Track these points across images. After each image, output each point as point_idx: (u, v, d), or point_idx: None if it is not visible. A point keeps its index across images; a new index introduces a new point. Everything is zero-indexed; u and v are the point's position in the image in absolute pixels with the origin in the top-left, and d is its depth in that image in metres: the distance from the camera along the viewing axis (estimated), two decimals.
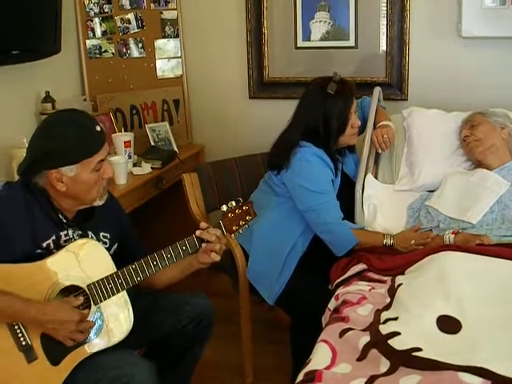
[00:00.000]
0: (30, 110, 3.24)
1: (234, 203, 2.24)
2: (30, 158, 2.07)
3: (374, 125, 2.98)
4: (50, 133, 2.06)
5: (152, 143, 3.63)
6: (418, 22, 3.42)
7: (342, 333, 2.00)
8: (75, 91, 3.68)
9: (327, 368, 1.83)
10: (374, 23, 3.49)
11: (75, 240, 2.12)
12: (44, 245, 2.06)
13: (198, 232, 2.19)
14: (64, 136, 2.02)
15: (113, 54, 3.75)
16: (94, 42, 3.70)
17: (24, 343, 1.97)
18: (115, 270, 2.12)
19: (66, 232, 2.12)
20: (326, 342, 1.97)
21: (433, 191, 2.86)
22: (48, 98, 3.22)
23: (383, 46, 3.51)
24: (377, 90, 3.10)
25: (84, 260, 2.08)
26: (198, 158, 3.90)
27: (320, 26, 3.58)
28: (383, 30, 3.48)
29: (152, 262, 2.14)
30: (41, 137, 2.07)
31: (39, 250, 2.05)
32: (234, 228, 2.24)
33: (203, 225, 2.22)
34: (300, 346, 2.61)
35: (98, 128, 2.08)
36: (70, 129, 2.03)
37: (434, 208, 2.71)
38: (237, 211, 2.24)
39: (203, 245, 2.20)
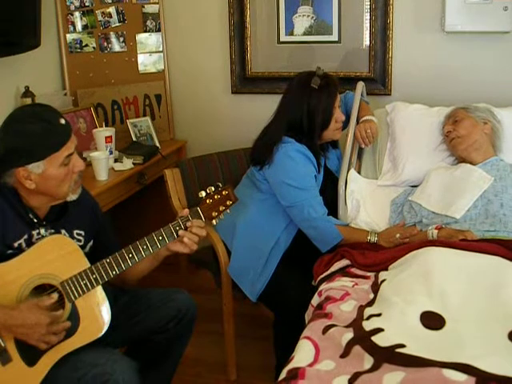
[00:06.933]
0: (10, 105, 3.19)
1: (213, 188, 2.21)
2: None
3: (358, 120, 2.97)
4: (11, 130, 1.99)
5: (134, 138, 3.60)
6: (402, 17, 3.41)
7: (325, 329, 1.99)
8: (55, 86, 3.64)
9: (310, 365, 1.81)
10: (358, 18, 3.48)
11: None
12: (15, 245, 2.02)
13: (180, 232, 2.15)
14: (26, 132, 1.96)
15: (94, 48, 3.72)
16: (75, 36, 3.67)
17: None
18: (88, 265, 2.07)
19: (37, 231, 2.08)
20: (308, 338, 1.95)
21: (416, 186, 2.85)
22: (28, 93, 3.19)
23: (366, 41, 3.50)
24: (360, 85, 3.09)
25: (55, 257, 2.03)
26: (180, 154, 3.88)
27: (303, 20, 3.55)
28: (367, 24, 3.47)
29: (127, 255, 2.09)
30: (2, 134, 1.99)
31: (10, 251, 2.01)
32: (213, 214, 2.20)
33: (185, 211, 2.19)
34: (283, 343, 2.61)
35: (63, 121, 2.02)
36: (32, 124, 1.96)
37: (417, 203, 2.71)
38: (215, 197, 2.20)
39: (180, 232, 2.16)
